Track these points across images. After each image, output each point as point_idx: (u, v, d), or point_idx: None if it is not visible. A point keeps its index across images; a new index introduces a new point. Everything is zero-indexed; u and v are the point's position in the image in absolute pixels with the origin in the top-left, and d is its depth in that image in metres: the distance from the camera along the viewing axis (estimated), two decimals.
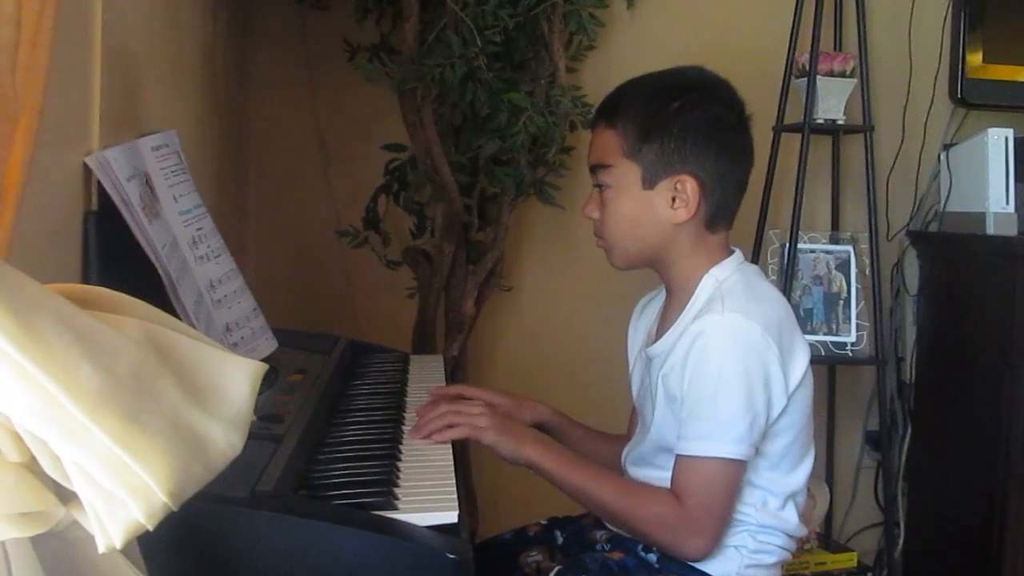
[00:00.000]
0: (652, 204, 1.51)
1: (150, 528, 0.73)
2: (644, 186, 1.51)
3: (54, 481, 0.73)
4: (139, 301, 0.80)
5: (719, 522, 1.44)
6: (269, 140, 2.60)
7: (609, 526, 1.58)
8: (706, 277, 1.51)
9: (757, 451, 1.45)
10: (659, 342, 1.54)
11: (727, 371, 1.41)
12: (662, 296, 1.63)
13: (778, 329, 1.45)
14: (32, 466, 0.73)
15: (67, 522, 0.76)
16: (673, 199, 1.50)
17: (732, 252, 1.56)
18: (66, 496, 0.75)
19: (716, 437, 1.41)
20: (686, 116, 1.50)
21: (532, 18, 2.25)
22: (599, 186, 1.55)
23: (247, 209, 2.56)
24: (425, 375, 1.83)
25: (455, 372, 2.38)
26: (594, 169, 1.56)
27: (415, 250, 2.46)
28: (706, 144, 1.50)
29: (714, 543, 1.44)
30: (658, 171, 1.50)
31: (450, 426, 1.46)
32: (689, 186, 1.49)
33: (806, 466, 1.53)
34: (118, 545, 0.72)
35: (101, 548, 0.73)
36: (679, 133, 1.49)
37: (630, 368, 1.69)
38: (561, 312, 2.73)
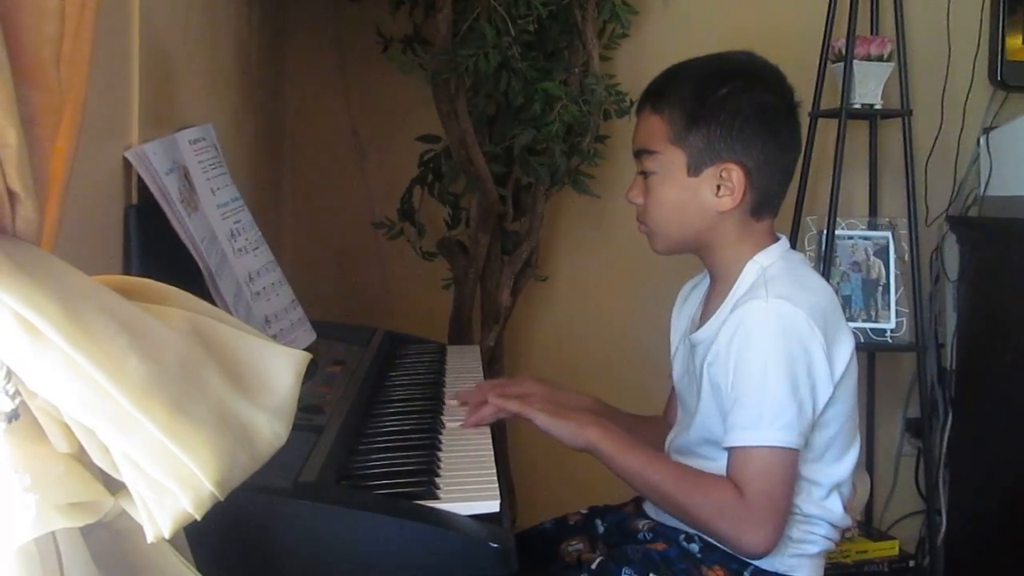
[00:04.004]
0: (697, 191, 1.49)
1: (198, 518, 0.73)
2: (689, 173, 1.48)
3: (103, 471, 0.74)
4: (183, 292, 0.80)
5: (780, 513, 1.39)
6: (304, 132, 2.61)
7: (651, 515, 1.57)
8: (750, 263, 1.49)
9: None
10: (702, 329, 1.53)
11: (772, 358, 1.39)
12: (707, 281, 1.62)
13: (823, 317, 1.42)
14: (81, 456, 0.74)
15: (116, 512, 0.76)
16: (718, 187, 1.48)
17: (777, 239, 1.54)
18: (115, 486, 0.75)
19: (765, 425, 1.38)
20: (734, 102, 1.47)
21: (565, 7, 2.24)
22: (643, 172, 1.53)
23: (283, 202, 2.56)
24: (462, 366, 1.82)
25: (492, 363, 2.37)
26: (638, 154, 1.54)
27: (450, 241, 2.46)
28: (754, 132, 1.47)
29: (775, 537, 1.39)
30: (704, 158, 1.48)
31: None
32: (735, 174, 1.47)
33: (851, 456, 1.50)
34: (167, 535, 0.73)
35: (150, 538, 0.73)
36: (727, 120, 1.46)
37: (672, 352, 1.67)
38: (597, 301, 2.72)
